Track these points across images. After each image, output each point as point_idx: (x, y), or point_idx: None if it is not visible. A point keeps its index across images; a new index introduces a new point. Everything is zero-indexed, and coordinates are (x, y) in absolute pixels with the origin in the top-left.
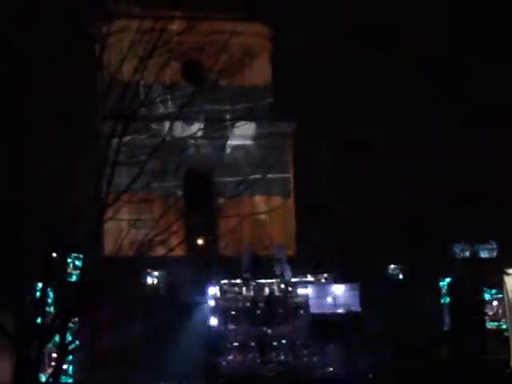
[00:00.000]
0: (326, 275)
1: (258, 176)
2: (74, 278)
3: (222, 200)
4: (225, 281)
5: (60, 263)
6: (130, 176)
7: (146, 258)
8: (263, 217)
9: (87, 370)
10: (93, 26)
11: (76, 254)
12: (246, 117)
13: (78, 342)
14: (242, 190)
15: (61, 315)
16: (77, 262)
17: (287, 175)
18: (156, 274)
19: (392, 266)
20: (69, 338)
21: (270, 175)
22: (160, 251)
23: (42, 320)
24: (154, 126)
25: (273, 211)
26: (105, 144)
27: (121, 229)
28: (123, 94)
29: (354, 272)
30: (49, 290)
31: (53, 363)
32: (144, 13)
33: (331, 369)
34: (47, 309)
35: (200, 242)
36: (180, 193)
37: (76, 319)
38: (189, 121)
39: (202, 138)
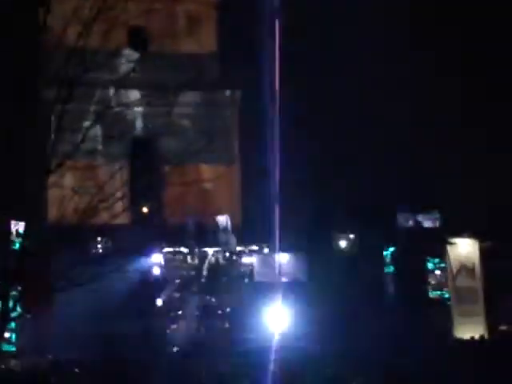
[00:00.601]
0: (271, 244)
1: (203, 143)
2: (16, 246)
3: (166, 168)
4: (169, 249)
5: (1, 228)
6: (74, 143)
7: (90, 226)
8: (208, 185)
9: (30, 338)
10: None
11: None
12: (190, 84)
13: (19, 310)
14: (186, 158)
15: (2, 282)
16: (20, 230)
17: (232, 143)
18: (100, 240)
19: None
20: (10, 305)
21: (214, 142)
22: (104, 219)
23: None
24: (98, 93)
25: (218, 179)
26: (48, 110)
27: (64, 196)
28: (67, 59)
29: (300, 243)
30: None
31: None
32: None
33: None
34: None
35: (145, 209)
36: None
37: (18, 286)
38: (133, 88)
39: (147, 105)
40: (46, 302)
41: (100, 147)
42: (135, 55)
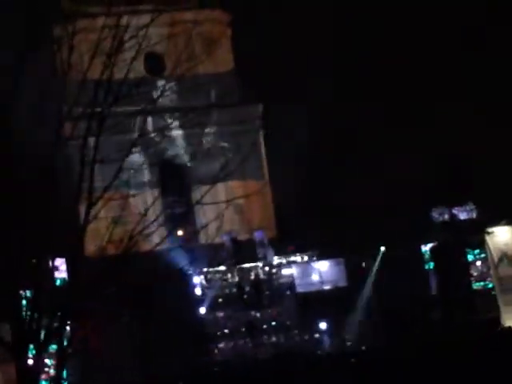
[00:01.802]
0: (309, 253)
1: (232, 161)
2: (58, 283)
3: (198, 188)
4: (209, 269)
5: (48, 269)
6: (104, 175)
7: (130, 255)
8: (241, 202)
9: (80, 373)
10: (54, 28)
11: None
12: (215, 104)
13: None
14: (217, 177)
15: (55, 320)
16: (62, 267)
17: (260, 156)
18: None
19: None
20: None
21: (244, 159)
22: (144, 246)
23: (36, 327)
24: (128, 123)
25: (249, 195)
26: (81, 144)
27: (100, 228)
28: (95, 92)
29: (337, 247)
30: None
31: (46, 369)
32: (104, 11)
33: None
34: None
35: (180, 233)
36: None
37: (70, 323)
38: (160, 113)
39: (180, 127)
40: (97, 337)
41: (133, 177)
42: (154, 82)
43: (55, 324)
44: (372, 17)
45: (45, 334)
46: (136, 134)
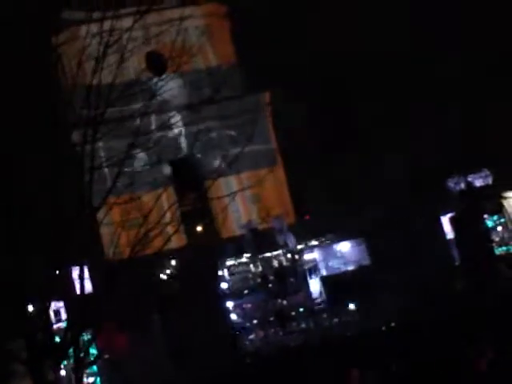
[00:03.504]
0: (329, 235)
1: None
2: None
3: (210, 181)
4: (231, 261)
5: (63, 278)
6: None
7: (148, 255)
8: (256, 191)
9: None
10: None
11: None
12: (217, 97)
13: (93, 353)
14: (227, 169)
15: (70, 330)
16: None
17: (270, 145)
18: (167, 271)
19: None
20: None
21: (253, 148)
22: (158, 246)
23: (50, 339)
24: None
25: (263, 184)
26: (80, 151)
27: (114, 232)
28: (87, 97)
29: (356, 227)
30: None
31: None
32: (89, 16)
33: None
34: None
35: (199, 228)
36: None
37: (88, 330)
38: (163, 111)
39: (184, 125)
40: (121, 342)
41: (140, 177)
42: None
43: (71, 334)
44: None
45: (60, 346)
46: (141, 134)
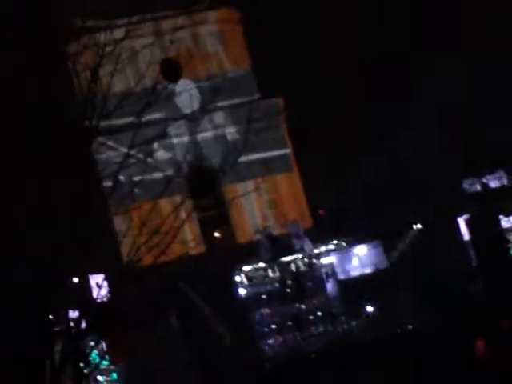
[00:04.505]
0: (346, 239)
1: (256, 156)
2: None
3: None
4: (249, 267)
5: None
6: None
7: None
8: (272, 197)
9: None
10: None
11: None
12: (234, 102)
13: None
14: (244, 174)
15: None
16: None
17: (286, 150)
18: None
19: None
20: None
21: (269, 153)
22: (177, 252)
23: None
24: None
25: (279, 189)
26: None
27: (134, 239)
28: (84, 104)
29: (373, 229)
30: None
31: None
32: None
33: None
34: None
35: (217, 234)
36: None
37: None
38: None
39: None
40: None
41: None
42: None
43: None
44: None
45: (60, 357)
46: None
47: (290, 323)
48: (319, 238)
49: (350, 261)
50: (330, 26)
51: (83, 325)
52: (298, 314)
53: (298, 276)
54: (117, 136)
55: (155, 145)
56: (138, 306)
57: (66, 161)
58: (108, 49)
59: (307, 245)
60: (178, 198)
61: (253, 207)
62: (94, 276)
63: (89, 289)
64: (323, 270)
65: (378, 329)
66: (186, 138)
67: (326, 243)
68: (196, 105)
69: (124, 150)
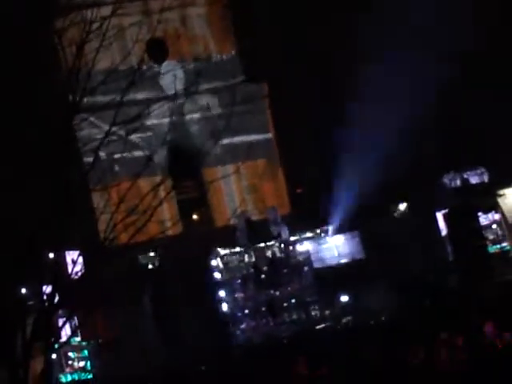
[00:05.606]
0: (324, 228)
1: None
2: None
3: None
4: (225, 251)
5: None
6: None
7: (140, 241)
8: (252, 182)
9: (104, 364)
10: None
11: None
12: (218, 86)
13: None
14: (225, 158)
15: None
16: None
17: (268, 136)
18: (151, 254)
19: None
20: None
21: (251, 138)
22: (154, 233)
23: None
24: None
25: (259, 174)
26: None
27: (112, 216)
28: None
29: (352, 220)
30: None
31: (70, 362)
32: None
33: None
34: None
35: (195, 217)
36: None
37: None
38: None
39: (182, 114)
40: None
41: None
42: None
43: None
44: None
45: (32, 331)
46: (138, 120)
47: (263, 309)
48: (297, 225)
49: (326, 250)
50: (319, 11)
51: (56, 300)
52: (272, 301)
53: (273, 262)
54: (100, 113)
55: (137, 123)
56: (111, 283)
57: (46, 134)
58: (95, 25)
59: (284, 232)
60: (158, 178)
61: (232, 191)
62: (70, 252)
63: (64, 264)
64: (299, 258)
65: (352, 318)
66: (167, 119)
67: (303, 231)
68: (180, 86)
69: (106, 127)
